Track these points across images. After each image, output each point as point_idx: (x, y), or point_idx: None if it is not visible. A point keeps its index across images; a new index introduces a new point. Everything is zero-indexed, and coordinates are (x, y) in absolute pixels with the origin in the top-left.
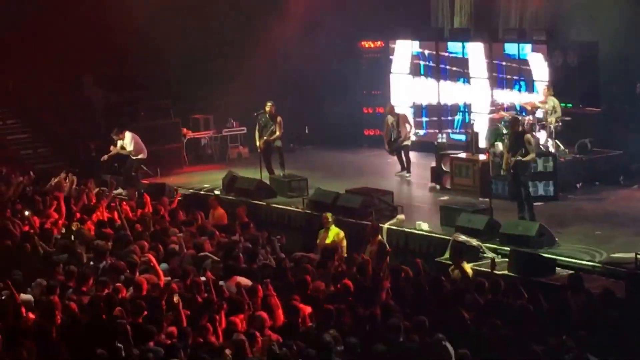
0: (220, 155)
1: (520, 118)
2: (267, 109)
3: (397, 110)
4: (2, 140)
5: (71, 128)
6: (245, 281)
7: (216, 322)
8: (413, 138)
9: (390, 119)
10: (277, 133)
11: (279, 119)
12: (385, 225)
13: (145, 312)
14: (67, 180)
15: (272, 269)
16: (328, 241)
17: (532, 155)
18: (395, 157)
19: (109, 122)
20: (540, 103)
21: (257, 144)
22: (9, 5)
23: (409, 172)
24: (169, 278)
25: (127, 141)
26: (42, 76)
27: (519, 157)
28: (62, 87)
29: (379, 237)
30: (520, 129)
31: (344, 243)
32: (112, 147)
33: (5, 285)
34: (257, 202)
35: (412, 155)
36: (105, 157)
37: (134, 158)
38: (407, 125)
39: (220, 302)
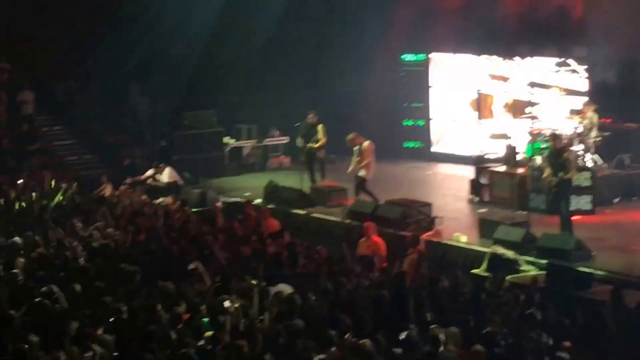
0: (262, 164)
1: (560, 134)
2: (309, 120)
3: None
4: (48, 146)
5: (116, 135)
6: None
7: None
8: (363, 173)
9: (356, 148)
10: (321, 141)
11: (320, 126)
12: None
13: None
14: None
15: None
16: (367, 251)
17: (572, 173)
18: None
19: (154, 131)
20: (580, 117)
21: (302, 150)
22: (57, 15)
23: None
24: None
25: (165, 176)
26: (89, 84)
27: (561, 175)
28: (108, 95)
29: (419, 247)
30: (561, 145)
31: (383, 254)
32: (147, 173)
33: None
34: (297, 211)
35: (451, 167)
36: (130, 180)
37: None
38: (369, 156)
39: None
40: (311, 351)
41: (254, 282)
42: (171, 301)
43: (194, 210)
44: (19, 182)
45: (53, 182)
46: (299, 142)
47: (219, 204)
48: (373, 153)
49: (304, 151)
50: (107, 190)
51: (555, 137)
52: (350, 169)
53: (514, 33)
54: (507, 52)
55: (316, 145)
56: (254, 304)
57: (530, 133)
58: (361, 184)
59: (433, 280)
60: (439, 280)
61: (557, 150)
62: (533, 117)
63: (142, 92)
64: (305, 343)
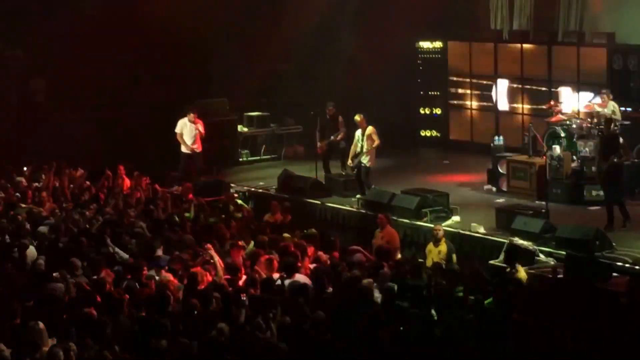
0: (276, 153)
1: (613, 119)
2: (328, 111)
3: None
4: (61, 135)
5: (128, 124)
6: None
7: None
8: (371, 162)
9: (358, 131)
10: (342, 134)
11: (340, 119)
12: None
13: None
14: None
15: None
16: (382, 242)
17: (627, 157)
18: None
19: (167, 119)
20: (600, 107)
21: (318, 144)
22: (70, 4)
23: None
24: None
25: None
26: (102, 73)
27: (613, 160)
28: (121, 83)
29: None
30: (614, 130)
31: (398, 244)
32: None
33: None
34: (312, 201)
35: (469, 157)
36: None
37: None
38: (372, 142)
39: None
40: None
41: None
42: None
43: (207, 199)
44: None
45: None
46: (318, 135)
47: (234, 193)
48: (378, 138)
49: (322, 147)
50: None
51: (609, 121)
52: (349, 161)
53: (532, 21)
54: (525, 39)
55: (338, 138)
56: None
57: (549, 122)
58: (365, 173)
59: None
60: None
61: (609, 135)
62: (552, 106)
63: (153, 81)
64: None
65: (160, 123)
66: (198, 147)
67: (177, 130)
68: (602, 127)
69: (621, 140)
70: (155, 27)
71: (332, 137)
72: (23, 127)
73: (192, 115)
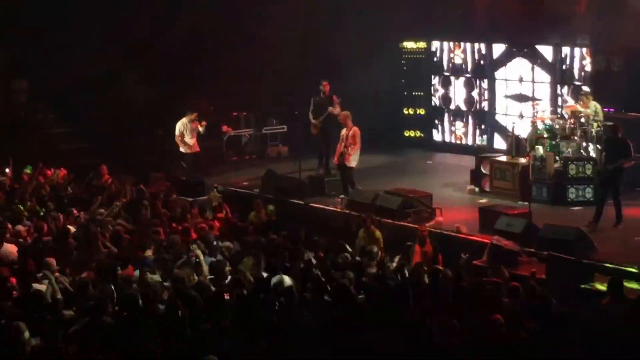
0: (260, 153)
1: (618, 125)
2: (322, 87)
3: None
4: (42, 135)
5: (112, 124)
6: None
7: None
8: (354, 163)
9: (343, 130)
10: (338, 108)
11: (335, 97)
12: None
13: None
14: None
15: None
16: (366, 242)
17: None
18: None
19: (150, 119)
20: (582, 107)
21: (313, 122)
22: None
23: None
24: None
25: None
26: (84, 71)
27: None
28: (103, 82)
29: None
30: (620, 133)
31: (381, 244)
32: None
33: None
34: (295, 201)
35: (451, 157)
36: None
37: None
38: (354, 144)
39: None
40: None
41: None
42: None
43: (191, 199)
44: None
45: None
46: (311, 116)
47: (216, 193)
48: (360, 141)
49: (316, 125)
50: (107, 180)
51: (615, 127)
52: (335, 159)
53: (516, 21)
54: (509, 39)
55: (335, 112)
56: None
57: (533, 122)
58: (348, 173)
59: (433, 273)
60: (439, 272)
61: (615, 138)
62: (535, 106)
63: (138, 80)
64: None
65: (144, 123)
66: (196, 147)
67: (177, 132)
68: (585, 127)
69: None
70: (139, 27)
71: (326, 112)
72: (5, 127)
73: (194, 115)
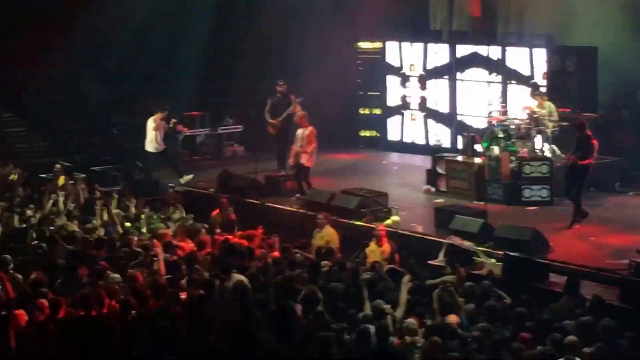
0: (216, 152)
1: (587, 123)
2: (278, 87)
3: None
4: None
5: (68, 123)
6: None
7: None
8: (310, 162)
9: (299, 131)
10: (297, 107)
11: (292, 96)
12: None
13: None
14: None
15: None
16: (322, 242)
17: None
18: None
19: (106, 118)
20: (537, 107)
21: (271, 121)
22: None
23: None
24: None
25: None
26: (40, 70)
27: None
28: (60, 82)
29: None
30: (588, 133)
31: (337, 244)
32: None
33: None
34: (251, 200)
35: (407, 157)
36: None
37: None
38: (310, 143)
39: None
40: None
41: None
42: None
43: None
44: None
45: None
46: (268, 115)
47: (172, 193)
48: (316, 140)
49: (275, 125)
50: (61, 179)
51: (583, 125)
52: (291, 160)
53: (471, 21)
54: (464, 40)
55: (294, 110)
56: None
57: (488, 122)
58: (304, 173)
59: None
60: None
61: (585, 138)
62: (491, 107)
63: (94, 79)
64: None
65: (99, 121)
66: (163, 146)
67: (151, 129)
68: (540, 127)
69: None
70: (95, 26)
71: (286, 112)
72: None
73: (165, 114)
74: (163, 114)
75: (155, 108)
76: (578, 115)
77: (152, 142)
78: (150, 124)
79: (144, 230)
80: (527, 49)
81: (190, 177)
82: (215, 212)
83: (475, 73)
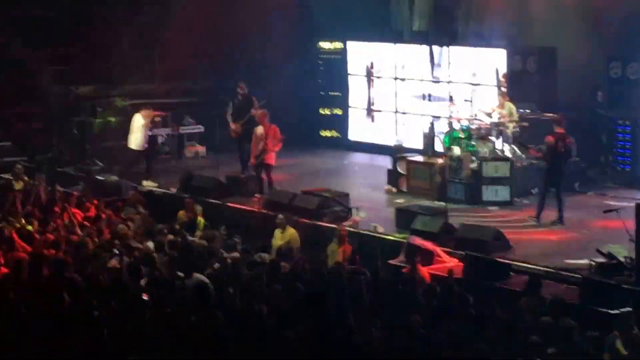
0: (177, 153)
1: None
2: (239, 89)
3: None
4: None
5: (30, 122)
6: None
7: None
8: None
9: (259, 129)
10: (257, 110)
11: (254, 98)
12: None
13: None
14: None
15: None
16: (282, 242)
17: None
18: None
19: (67, 118)
20: (497, 108)
21: (232, 126)
22: None
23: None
24: None
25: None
26: (1, 69)
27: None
28: (20, 81)
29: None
30: (557, 130)
31: (298, 244)
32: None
33: None
34: (213, 201)
35: (368, 157)
36: None
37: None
38: (274, 140)
39: None
40: None
41: None
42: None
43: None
44: None
45: None
46: (230, 119)
47: (134, 192)
48: (277, 138)
49: (237, 129)
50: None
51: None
52: (252, 160)
53: (432, 22)
54: (424, 40)
55: (254, 113)
56: None
57: (448, 122)
58: (267, 170)
59: (353, 273)
60: (359, 273)
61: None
62: (452, 107)
63: (55, 78)
64: None
65: (59, 120)
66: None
67: (143, 125)
68: (501, 128)
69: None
70: (53, 23)
71: (247, 115)
72: None
73: (150, 110)
74: (148, 110)
75: (142, 105)
76: (539, 115)
77: (137, 139)
78: (139, 120)
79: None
80: (487, 49)
81: (154, 184)
82: (181, 212)
83: (436, 73)
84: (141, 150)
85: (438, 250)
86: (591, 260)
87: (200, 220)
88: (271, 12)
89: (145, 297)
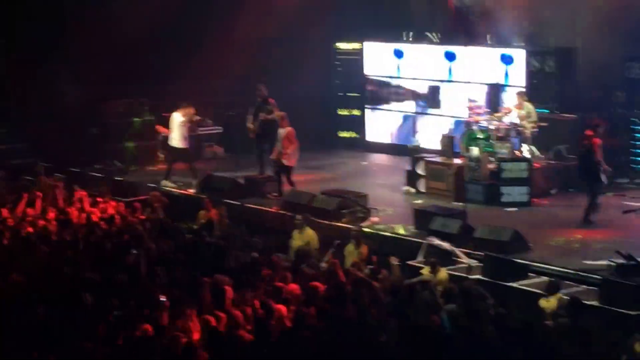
0: (195, 154)
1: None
2: (258, 92)
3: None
4: None
5: (47, 124)
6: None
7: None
8: (291, 162)
9: (280, 131)
10: (275, 113)
11: (272, 100)
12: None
13: None
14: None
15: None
16: (301, 243)
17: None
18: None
19: (84, 119)
20: (516, 108)
21: (249, 127)
22: None
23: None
24: None
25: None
26: (18, 72)
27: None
28: (38, 82)
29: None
30: (595, 134)
31: (317, 245)
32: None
33: None
34: (231, 201)
35: (386, 158)
36: None
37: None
38: (290, 143)
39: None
40: None
41: None
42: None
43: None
44: None
45: None
46: (248, 120)
47: (156, 193)
48: (295, 140)
49: (251, 130)
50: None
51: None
52: (274, 155)
53: (450, 22)
54: (443, 41)
55: (270, 117)
56: None
57: (467, 123)
58: (287, 172)
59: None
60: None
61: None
62: (471, 107)
63: (72, 79)
64: None
65: (76, 122)
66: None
67: (182, 123)
68: (519, 128)
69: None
70: (74, 25)
71: (262, 117)
72: None
73: (190, 108)
74: (188, 108)
75: (182, 103)
76: (557, 116)
77: (177, 137)
78: (177, 118)
79: None
80: (505, 50)
81: (173, 185)
82: (202, 212)
83: (454, 74)
84: (184, 147)
85: (457, 251)
86: (610, 261)
87: (224, 220)
88: (290, 13)
89: (163, 297)
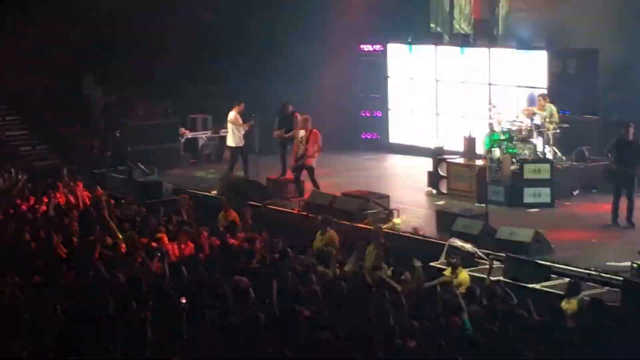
0: (217, 155)
1: (630, 124)
2: (286, 109)
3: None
4: (1, 137)
5: (70, 126)
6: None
7: None
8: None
9: (301, 133)
10: (295, 133)
11: (297, 116)
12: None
13: None
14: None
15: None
16: (321, 244)
17: None
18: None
19: (108, 121)
20: (538, 110)
21: (275, 133)
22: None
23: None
24: None
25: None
26: (42, 74)
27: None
28: (61, 85)
29: (382, 239)
30: (632, 137)
31: (337, 247)
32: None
33: None
34: (253, 203)
35: (408, 159)
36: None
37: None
38: (315, 144)
39: None
40: None
41: None
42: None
43: (149, 201)
44: None
45: None
46: (275, 124)
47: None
48: (319, 141)
49: (280, 132)
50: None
51: (627, 126)
52: (299, 155)
53: (472, 25)
54: (465, 43)
55: (287, 135)
56: None
57: (489, 124)
58: (310, 173)
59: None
60: (400, 273)
61: (628, 141)
62: (492, 109)
63: (95, 82)
64: None
65: (99, 124)
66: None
67: (233, 122)
68: (541, 129)
69: None
70: (97, 28)
71: (286, 134)
72: None
73: (241, 108)
74: (240, 107)
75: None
76: (578, 117)
77: (230, 137)
78: (230, 118)
79: None
80: (527, 51)
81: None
82: (221, 214)
83: (477, 75)
84: (237, 147)
85: (479, 252)
86: (633, 263)
87: (248, 222)
88: (313, 14)
89: (183, 300)
